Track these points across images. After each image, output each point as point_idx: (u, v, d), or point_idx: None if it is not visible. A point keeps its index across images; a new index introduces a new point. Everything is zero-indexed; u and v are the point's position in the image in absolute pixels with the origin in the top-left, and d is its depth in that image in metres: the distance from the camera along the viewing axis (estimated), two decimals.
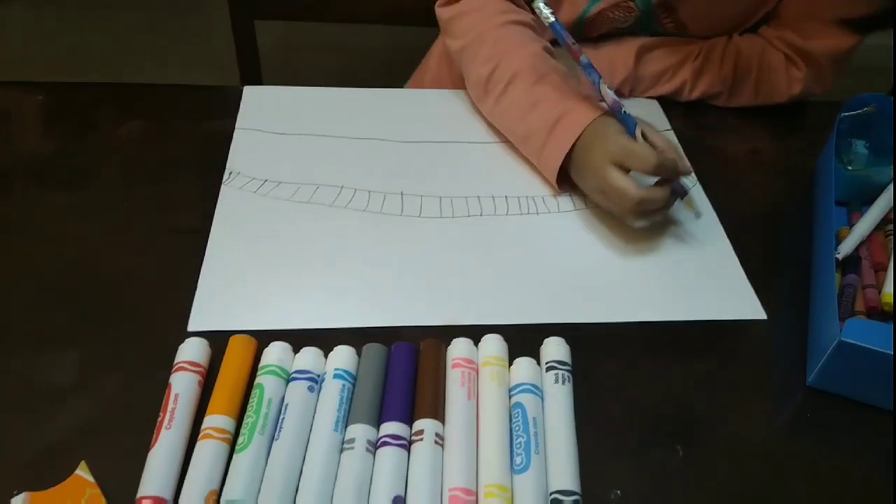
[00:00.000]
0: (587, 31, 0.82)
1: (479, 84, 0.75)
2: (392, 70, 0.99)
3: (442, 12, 0.79)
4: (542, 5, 0.63)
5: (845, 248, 0.64)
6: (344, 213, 0.67)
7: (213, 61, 1.87)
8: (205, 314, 0.56)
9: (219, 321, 0.55)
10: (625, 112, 0.64)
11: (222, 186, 0.68)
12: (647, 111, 0.83)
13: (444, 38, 0.80)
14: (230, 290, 0.58)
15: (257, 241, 0.63)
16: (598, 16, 0.80)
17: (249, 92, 0.80)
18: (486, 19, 0.75)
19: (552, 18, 0.63)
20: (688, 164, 0.67)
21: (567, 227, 0.68)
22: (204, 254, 0.61)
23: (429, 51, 0.96)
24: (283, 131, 0.75)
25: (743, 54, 0.82)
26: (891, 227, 0.67)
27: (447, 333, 0.55)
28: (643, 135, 0.63)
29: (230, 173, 0.69)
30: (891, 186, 0.69)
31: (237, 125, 0.75)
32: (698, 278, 0.64)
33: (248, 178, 0.69)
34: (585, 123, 0.66)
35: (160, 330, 0.55)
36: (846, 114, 0.74)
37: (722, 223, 0.69)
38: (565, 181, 0.70)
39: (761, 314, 0.61)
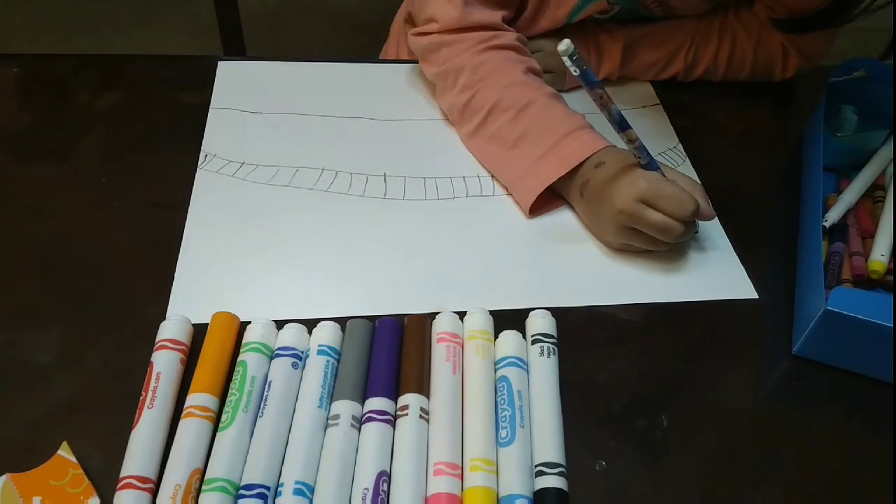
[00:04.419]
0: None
1: (452, 111, 0.71)
2: (382, 36, 0.97)
3: (417, 42, 0.73)
4: (567, 60, 0.51)
5: (833, 215, 0.63)
6: (325, 197, 0.65)
7: (196, 28, 1.84)
8: (182, 305, 0.55)
9: (196, 312, 0.53)
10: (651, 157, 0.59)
11: (198, 170, 0.66)
12: (632, 85, 0.81)
13: (420, 64, 0.75)
14: (207, 281, 0.57)
15: (235, 229, 0.61)
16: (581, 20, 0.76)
17: (224, 67, 0.77)
18: (464, 49, 0.69)
19: (578, 72, 0.52)
20: (711, 208, 0.61)
21: (554, 209, 0.66)
22: (185, 229, 0.60)
23: (391, 27, 0.92)
24: (259, 110, 0.73)
25: (738, 45, 0.79)
26: (879, 193, 0.67)
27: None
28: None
29: (206, 156, 0.67)
30: (879, 153, 0.69)
31: (211, 104, 0.73)
32: (689, 259, 0.63)
33: (224, 161, 0.67)
34: (597, 147, 0.62)
35: (142, 306, 0.54)
36: (836, 78, 0.73)
37: (709, 192, 0.68)
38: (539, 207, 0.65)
39: (752, 294, 0.61)
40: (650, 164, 0.58)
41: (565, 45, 0.49)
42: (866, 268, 0.60)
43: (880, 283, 0.60)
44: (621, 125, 0.56)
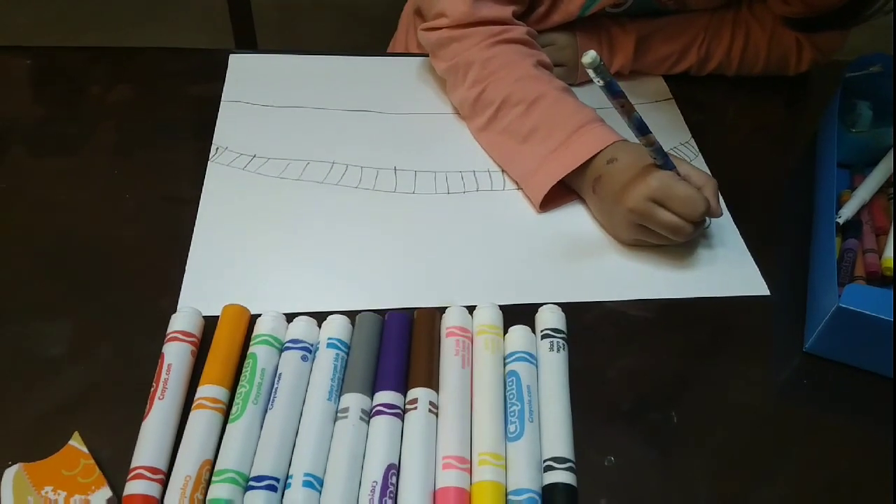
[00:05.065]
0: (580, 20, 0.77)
1: (463, 105, 0.71)
2: (391, 30, 0.96)
3: (427, 37, 0.73)
4: (591, 72, 0.50)
5: (846, 212, 0.63)
6: (335, 191, 0.65)
7: (207, 22, 1.84)
8: (193, 297, 0.55)
9: (207, 304, 0.53)
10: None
11: (209, 163, 0.66)
12: (644, 79, 0.80)
13: (430, 59, 0.75)
14: (218, 274, 0.57)
15: (246, 222, 0.61)
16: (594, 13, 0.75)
17: (235, 60, 0.77)
18: (474, 44, 0.69)
19: (602, 83, 0.51)
20: (720, 206, 0.61)
21: (565, 203, 0.66)
22: (196, 221, 0.60)
23: (399, 21, 0.92)
24: (270, 103, 0.73)
25: (752, 39, 0.78)
26: (893, 190, 0.66)
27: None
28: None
29: (217, 149, 0.67)
30: (894, 149, 0.68)
31: (223, 97, 0.73)
32: (700, 255, 0.62)
33: (235, 154, 0.67)
34: (607, 142, 0.62)
35: (153, 299, 0.54)
36: (851, 74, 0.72)
37: (721, 187, 0.68)
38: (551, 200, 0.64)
39: (764, 290, 0.60)
40: (665, 164, 0.58)
41: (591, 57, 0.49)
42: (880, 265, 0.60)
43: (893, 280, 0.60)
44: (641, 130, 0.55)
